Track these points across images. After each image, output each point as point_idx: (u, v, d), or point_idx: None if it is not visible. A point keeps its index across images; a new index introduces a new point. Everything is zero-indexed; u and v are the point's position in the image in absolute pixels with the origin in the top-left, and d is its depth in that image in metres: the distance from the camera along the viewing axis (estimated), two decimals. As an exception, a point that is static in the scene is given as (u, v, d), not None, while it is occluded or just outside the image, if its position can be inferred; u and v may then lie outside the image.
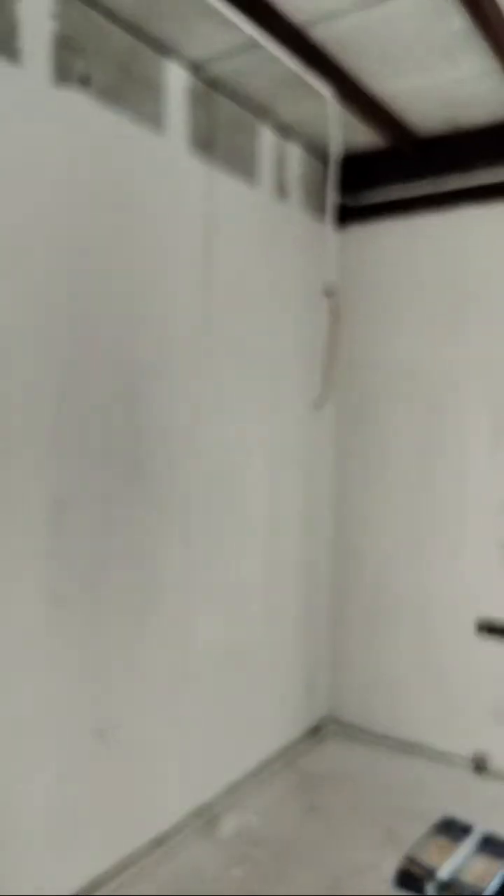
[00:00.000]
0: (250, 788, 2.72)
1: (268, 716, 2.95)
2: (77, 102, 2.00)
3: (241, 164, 2.68)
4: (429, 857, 1.76)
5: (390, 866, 2.23)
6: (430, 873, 1.69)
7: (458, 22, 2.07)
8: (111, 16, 2.07)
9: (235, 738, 2.74)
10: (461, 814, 2.40)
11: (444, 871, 1.70)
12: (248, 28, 2.04)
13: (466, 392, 3.03)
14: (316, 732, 3.24)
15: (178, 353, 2.41)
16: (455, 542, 3.06)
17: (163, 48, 2.24)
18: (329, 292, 2.82)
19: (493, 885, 1.65)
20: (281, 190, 2.93)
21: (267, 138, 2.82)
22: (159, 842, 2.33)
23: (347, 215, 3.26)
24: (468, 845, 1.82)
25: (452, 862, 1.74)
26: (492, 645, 2.94)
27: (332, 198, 2.84)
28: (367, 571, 3.30)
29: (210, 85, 2.47)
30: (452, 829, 1.89)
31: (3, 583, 1.86)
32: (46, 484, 1.96)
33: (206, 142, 2.48)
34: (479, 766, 2.93)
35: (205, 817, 2.49)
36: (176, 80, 2.33)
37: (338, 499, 3.39)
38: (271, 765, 2.91)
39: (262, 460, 2.88)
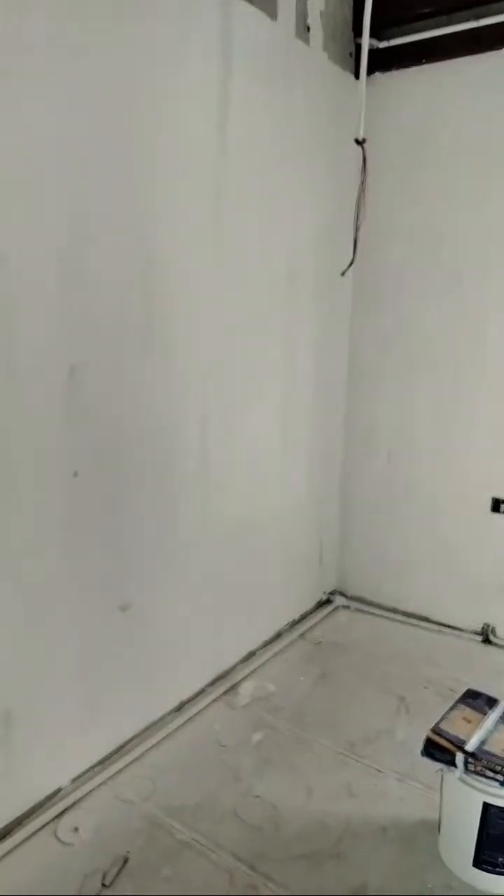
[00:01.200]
0: (266, 658, 2.78)
1: (280, 588, 2.98)
2: None
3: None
4: (455, 728, 1.78)
5: (403, 733, 2.32)
6: (458, 744, 1.70)
7: None
8: None
9: (250, 610, 2.78)
10: (473, 682, 2.46)
11: (471, 743, 1.71)
12: None
13: (493, 260, 2.78)
14: (326, 605, 3.30)
15: (192, 213, 2.15)
16: (472, 418, 2.94)
17: None
18: (360, 141, 2.50)
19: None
20: (303, 27, 2.51)
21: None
22: (182, 709, 2.39)
23: (372, 62, 2.79)
24: (493, 716, 1.83)
25: (479, 733, 1.76)
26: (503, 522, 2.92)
27: (352, 39, 2.43)
28: (381, 447, 3.21)
29: None
30: (477, 700, 1.90)
31: (22, 459, 1.73)
32: (64, 350, 1.78)
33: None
34: (487, 637, 3.01)
35: (224, 686, 2.55)
36: None
37: (353, 372, 3.23)
38: (285, 636, 2.97)
39: (277, 331, 2.68)
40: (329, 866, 1.79)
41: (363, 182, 2.43)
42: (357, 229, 2.53)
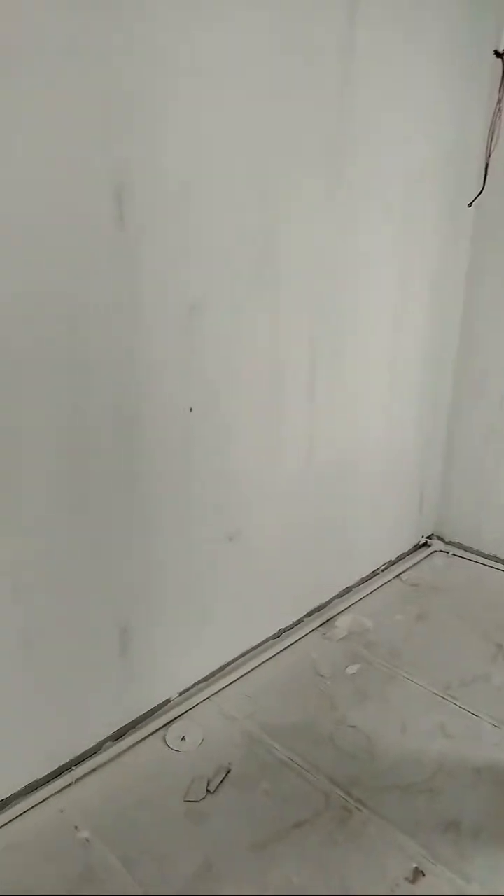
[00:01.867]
0: (362, 595, 2.81)
1: (379, 529, 2.97)
2: None
3: None
4: None
5: (501, 679, 2.31)
6: None
7: None
8: None
9: (348, 547, 2.79)
10: None
11: None
12: None
13: None
14: (424, 548, 3.27)
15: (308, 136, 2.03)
16: None
17: None
18: (500, 54, 2.26)
19: None
20: None
21: None
22: (280, 637, 2.48)
23: None
24: None
25: None
26: None
27: None
28: (494, 390, 3.05)
29: None
30: None
31: (143, 395, 1.77)
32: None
33: None
34: None
35: (321, 619, 2.61)
36: None
37: (469, 310, 3.05)
38: (381, 575, 2.98)
39: (391, 264, 2.55)
40: (422, 799, 1.84)
41: (500, 101, 2.21)
42: (489, 155, 2.32)
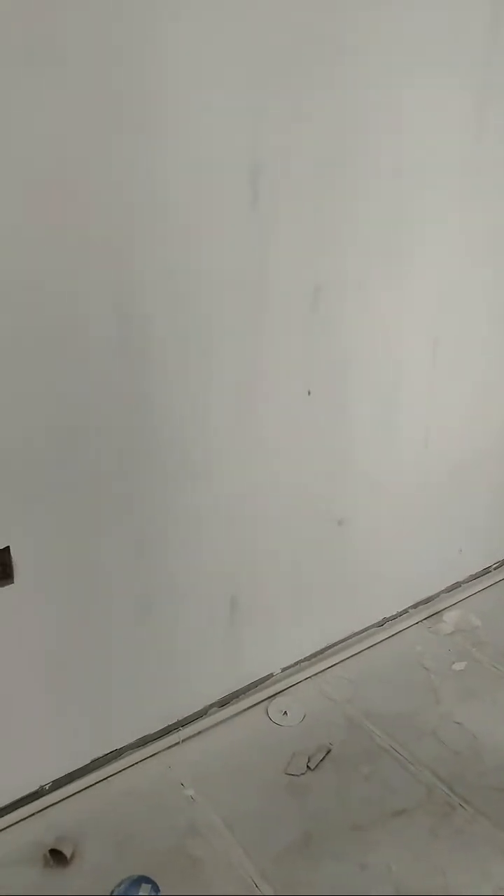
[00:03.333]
0: (472, 592, 2.72)
1: (493, 525, 2.85)
2: None
3: None
4: None
5: None
6: None
7: None
8: None
9: (460, 541, 2.70)
10: None
11: None
12: None
13: None
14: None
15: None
16: None
17: None
18: None
19: None
20: None
21: None
22: (384, 625, 2.45)
23: None
24: None
25: None
26: None
27: None
28: None
29: None
30: None
31: (267, 373, 1.78)
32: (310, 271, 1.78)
33: None
34: None
35: (427, 611, 2.56)
36: None
37: None
38: (494, 573, 2.87)
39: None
40: (530, 806, 1.78)
41: None
42: None
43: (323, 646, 2.30)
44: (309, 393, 1.93)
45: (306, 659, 2.25)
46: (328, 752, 1.91)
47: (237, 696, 2.06)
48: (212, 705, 2.00)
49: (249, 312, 1.71)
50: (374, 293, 1.97)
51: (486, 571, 2.87)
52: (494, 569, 2.91)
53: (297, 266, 1.77)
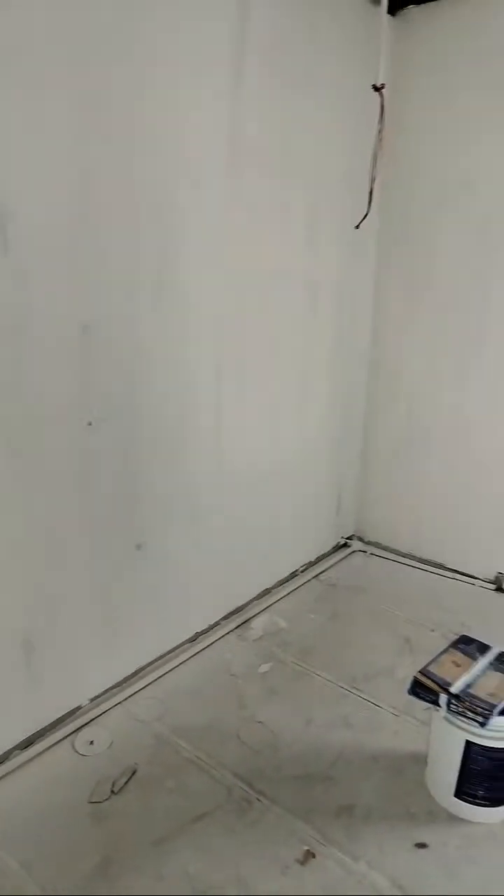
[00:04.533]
0: (280, 596, 2.91)
1: (297, 531, 3.09)
2: None
3: None
4: (442, 670, 1.87)
5: (404, 672, 2.43)
6: (443, 686, 1.80)
7: None
8: None
9: (266, 550, 2.90)
10: (480, 628, 2.55)
11: (456, 685, 1.80)
12: None
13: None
14: (343, 549, 3.40)
15: (207, 158, 2.13)
16: (497, 369, 2.90)
17: None
18: (378, 88, 2.40)
19: None
20: None
21: None
22: (196, 640, 2.56)
23: None
24: (483, 662, 1.91)
25: (466, 677, 1.84)
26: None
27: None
28: (403, 394, 3.21)
29: None
30: (469, 646, 1.99)
31: (41, 408, 1.82)
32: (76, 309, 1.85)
33: None
34: (500, 587, 3.06)
35: (238, 620, 2.70)
36: None
37: (378, 319, 3.21)
38: (300, 576, 3.09)
39: (298, 277, 2.68)
40: (319, 787, 1.94)
41: (380, 132, 2.35)
42: (373, 180, 2.47)
43: (133, 669, 2.35)
44: (90, 423, 1.99)
45: (117, 685, 2.29)
46: (133, 773, 1.96)
47: (42, 735, 2.05)
48: (13, 749, 1.98)
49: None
50: (145, 328, 2.09)
51: (294, 575, 3.09)
52: (301, 571, 3.14)
53: (62, 306, 1.83)
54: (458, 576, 3.18)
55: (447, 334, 3.00)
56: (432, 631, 2.72)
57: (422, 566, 3.27)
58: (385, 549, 3.41)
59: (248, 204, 2.33)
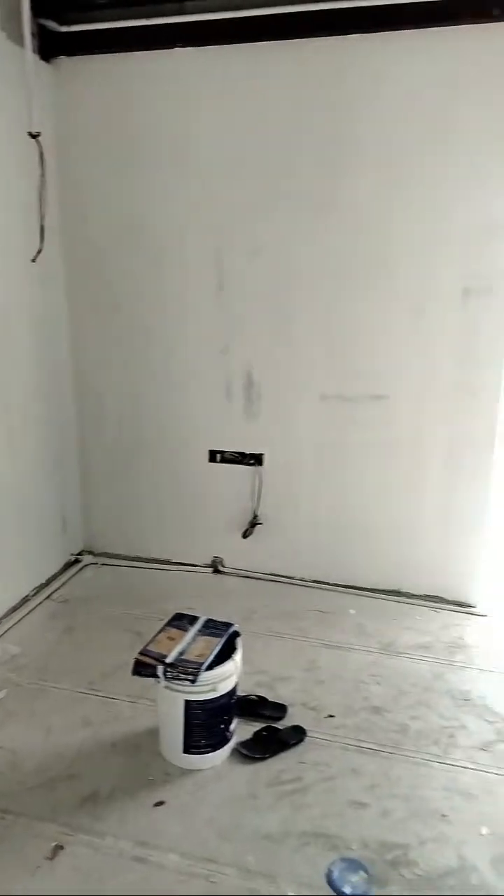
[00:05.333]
0: (10, 624, 2.91)
1: (21, 556, 3.10)
2: None
3: None
4: (159, 646, 2.12)
5: (136, 661, 2.64)
6: (159, 659, 2.05)
7: None
8: None
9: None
10: (203, 605, 2.86)
11: (171, 655, 2.06)
12: None
13: (189, 238, 3.08)
14: (74, 565, 3.50)
15: None
16: (185, 383, 3.29)
17: None
18: (34, 135, 2.59)
19: (211, 655, 2.06)
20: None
21: None
22: None
23: (55, 45, 2.90)
24: (192, 631, 2.21)
25: (179, 647, 2.11)
26: (221, 471, 3.35)
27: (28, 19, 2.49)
28: (109, 411, 3.44)
29: None
30: (181, 621, 2.27)
31: None
32: None
33: None
34: (217, 569, 3.46)
35: (-34, 657, 2.65)
36: None
37: (76, 346, 3.39)
38: (31, 600, 3.12)
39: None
40: (62, 786, 2.05)
41: (43, 175, 2.55)
42: (42, 217, 2.65)
43: None
44: None
45: None
46: None
47: None
48: None
49: None
50: None
51: (25, 600, 3.11)
52: (33, 595, 3.17)
53: None
54: (182, 567, 3.50)
55: (136, 350, 3.30)
56: (160, 620, 2.93)
57: (150, 566, 3.53)
58: (115, 556, 3.60)
59: None
